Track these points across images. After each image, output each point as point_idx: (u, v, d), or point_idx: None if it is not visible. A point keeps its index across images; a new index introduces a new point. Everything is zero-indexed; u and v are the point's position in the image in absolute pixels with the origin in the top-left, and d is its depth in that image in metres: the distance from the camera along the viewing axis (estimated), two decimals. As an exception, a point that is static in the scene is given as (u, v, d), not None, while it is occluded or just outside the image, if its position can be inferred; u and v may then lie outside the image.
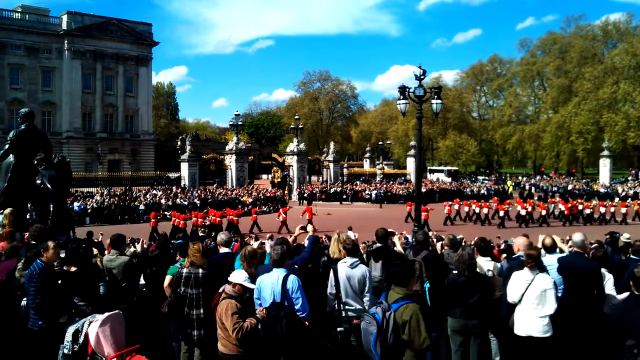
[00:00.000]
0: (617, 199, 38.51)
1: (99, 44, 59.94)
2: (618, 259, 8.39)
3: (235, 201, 34.51)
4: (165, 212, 30.70)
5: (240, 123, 47.44)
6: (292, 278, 5.53)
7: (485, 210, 30.57)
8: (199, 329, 5.85)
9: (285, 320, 5.06)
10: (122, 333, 5.24)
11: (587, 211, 31.23)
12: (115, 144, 61.21)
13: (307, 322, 5.35)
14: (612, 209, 32.06)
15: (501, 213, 29.15)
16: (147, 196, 35.13)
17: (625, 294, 5.96)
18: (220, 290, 5.33)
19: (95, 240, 12.37)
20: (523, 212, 29.28)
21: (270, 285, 5.49)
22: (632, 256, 7.96)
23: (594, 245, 9.67)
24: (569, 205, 31.23)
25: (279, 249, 5.77)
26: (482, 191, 47.20)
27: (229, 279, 5.26)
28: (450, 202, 32.38)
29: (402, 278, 4.79)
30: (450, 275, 6.18)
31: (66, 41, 57.94)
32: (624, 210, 31.52)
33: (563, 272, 6.27)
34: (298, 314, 5.33)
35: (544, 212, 29.84)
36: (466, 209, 32.13)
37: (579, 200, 33.04)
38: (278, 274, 5.56)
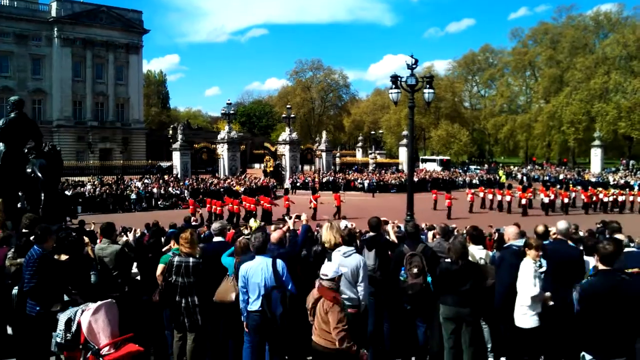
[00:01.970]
0: (636, 188, 39.60)
1: (89, 31, 59.21)
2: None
3: (228, 190, 34.36)
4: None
5: (232, 112, 47.22)
6: (280, 262, 5.64)
7: (507, 198, 31.31)
8: (190, 317, 5.88)
9: (288, 299, 5.30)
10: (115, 322, 5.23)
11: (606, 199, 32.33)
12: (106, 132, 60.71)
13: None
14: (631, 198, 33.35)
15: (523, 201, 29.81)
16: (139, 185, 34.98)
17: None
18: (318, 285, 4.96)
19: (87, 229, 12.32)
20: (546, 200, 30.15)
21: (260, 272, 5.58)
22: (599, 237, 8.19)
23: (583, 234, 9.75)
24: (589, 193, 32.24)
25: (260, 236, 5.82)
26: (475, 181, 47.38)
27: (323, 273, 4.85)
28: (473, 191, 33.72)
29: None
30: (443, 264, 6.19)
31: (56, 28, 57.19)
32: None
33: (548, 258, 6.35)
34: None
35: (566, 200, 30.94)
36: (490, 196, 33.00)
37: (599, 189, 34.21)
38: (264, 260, 5.63)
